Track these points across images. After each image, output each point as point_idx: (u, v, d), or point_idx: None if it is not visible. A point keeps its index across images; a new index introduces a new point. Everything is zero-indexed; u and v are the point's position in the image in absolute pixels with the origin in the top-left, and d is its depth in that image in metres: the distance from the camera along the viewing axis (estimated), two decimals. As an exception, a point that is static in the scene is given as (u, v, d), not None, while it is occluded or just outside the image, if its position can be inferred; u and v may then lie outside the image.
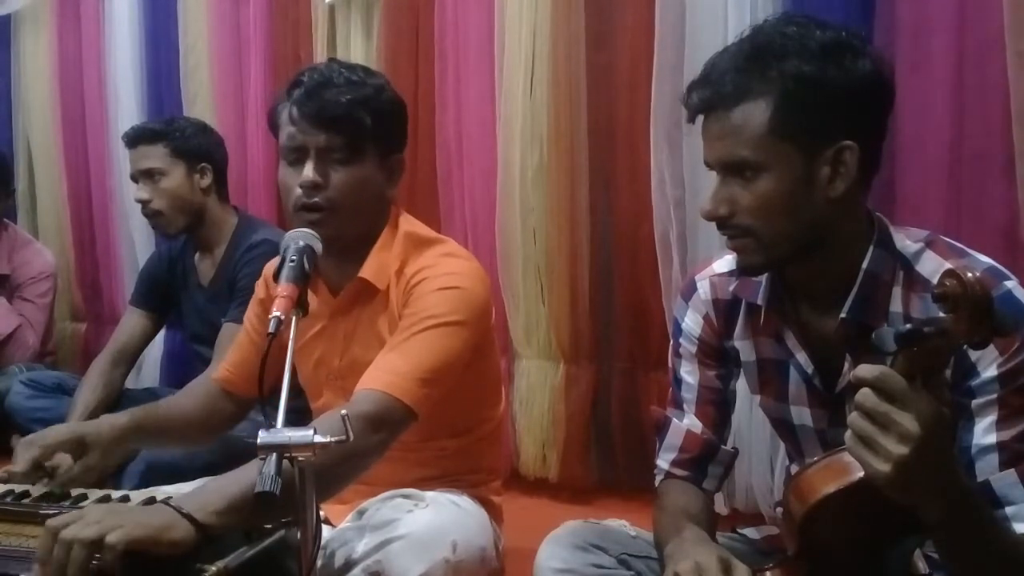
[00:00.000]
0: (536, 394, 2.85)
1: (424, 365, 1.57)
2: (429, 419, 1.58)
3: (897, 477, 0.99)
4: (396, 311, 1.68)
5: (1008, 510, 1.15)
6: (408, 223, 1.76)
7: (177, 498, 1.32)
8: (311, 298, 1.72)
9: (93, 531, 1.20)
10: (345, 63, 1.73)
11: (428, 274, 1.66)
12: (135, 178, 2.68)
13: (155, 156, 2.63)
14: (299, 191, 1.62)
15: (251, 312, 1.92)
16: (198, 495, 1.33)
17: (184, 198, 2.64)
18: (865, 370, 1.01)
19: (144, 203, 2.65)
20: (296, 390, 1.86)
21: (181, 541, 1.25)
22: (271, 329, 1.25)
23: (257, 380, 1.25)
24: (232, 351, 1.93)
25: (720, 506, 2.35)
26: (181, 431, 1.86)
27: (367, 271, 1.70)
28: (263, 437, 1.11)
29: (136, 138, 2.68)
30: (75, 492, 1.55)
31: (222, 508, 1.29)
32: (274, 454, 1.10)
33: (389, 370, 1.56)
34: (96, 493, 1.55)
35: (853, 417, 1.02)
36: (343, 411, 1.21)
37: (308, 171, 1.62)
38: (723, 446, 1.47)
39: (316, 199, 1.62)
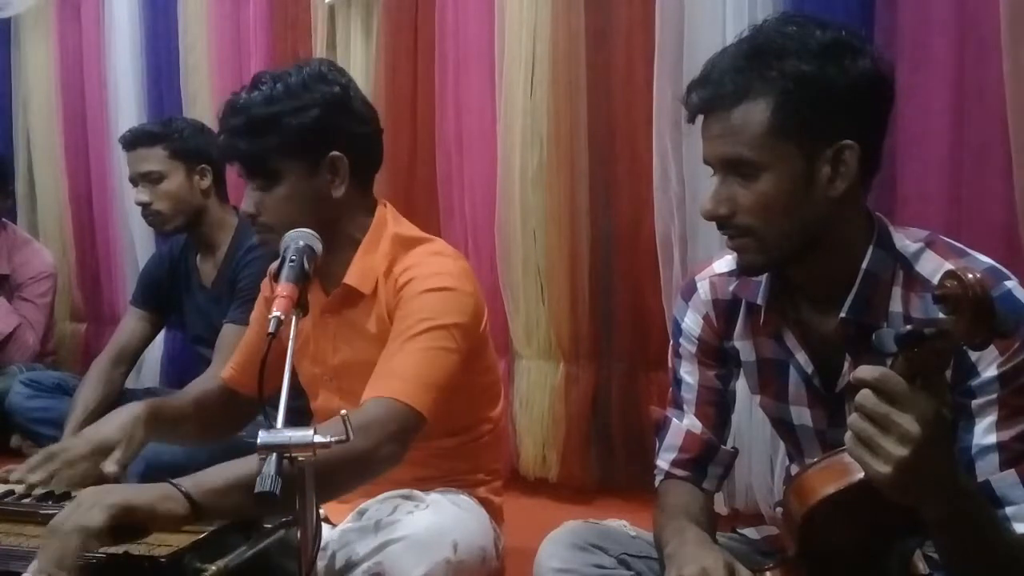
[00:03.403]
0: (536, 394, 2.85)
1: (426, 369, 1.57)
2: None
3: (897, 478, 0.99)
4: (386, 311, 1.67)
5: (1008, 510, 1.15)
6: (396, 223, 1.75)
7: (177, 479, 1.33)
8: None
9: (86, 512, 1.21)
10: (265, 76, 1.68)
11: (416, 274, 1.65)
12: (134, 181, 2.67)
13: (154, 158, 2.63)
14: None
15: (256, 312, 1.92)
16: (198, 476, 1.35)
17: (185, 199, 2.64)
18: (865, 371, 1.01)
19: (145, 205, 2.64)
20: (296, 390, 1.86)
21: (176, 514, 1.26)
22: (271, 329, 1.25)
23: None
24: (238, 351, 1.93)
25: (720, 506, 2.35)
26: (194, 427, 1.85)
27: (352, 277, 1.70)
28: (263, 437, 1.11)
29: (134, 141, 2.67)
30: (75, 492, 1.55)
31: (219, 488, 1.31)
32: (274, 454, 1.10)
33: (393, 376, 1.56)
34: (97, 493, 1.55)
35: (853, 418, 1.02)
36: (343, 412, 1.21)
37: (245, 204, 1.68)
38: (723, 446, 1.47)
39: (256, 226, 1.68)
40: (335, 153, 1.67)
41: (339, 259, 1.70)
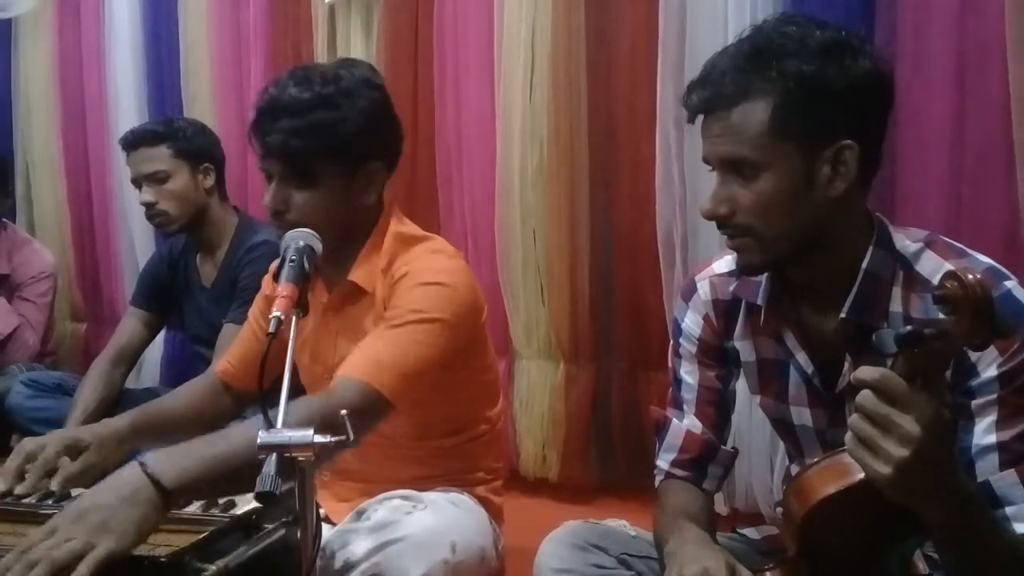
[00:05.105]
0: (536, 394, 2.85)
1: (403, 358, 1.57)
2: (422, 416, 1.58)
3: (898, 479, 0.99)
4: (382, 308, 1.68)
5: (1008, 510, 1.15)
6: (399, 223, 1.76)
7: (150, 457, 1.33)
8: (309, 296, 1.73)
9: (65, 552, 1.19)
10: (311, 73, 1.66)
11: (411, 269, 1.66)
12: (137, 182, 2.66)
13: (159, 158, 2.62)
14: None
15: (255, 308, 1.92)
16: (173, 456, 1.34)
17: (190, 199, 2.64)
18: (865, 372, 1.01)
19: (150, 206, 2.63)
20: (295, 389, 1.86)
21: (157, 525, 1.26)
22: (271, 329, 1.26)
23: (257, 374, 1.25)
24: (234, 345, 1.94)
25: (720, 506, 2.36)
26: (179, 427, 1.84)
27: (356, 274, 1.71)
28: (263, 437, 1.11)
29: (136, 141, 2.66)
30: (75, 492, 1.55)
31: (191, 468, 1.32)
32: (274, 454, 1.10)
33: (369, 359, 1.56)
34: (96, 493, 1.54)
35: (854, 419, 1.02)
36: (343, 412, 1.21)
37: (268, 198, 1.66)
38: (723, 446, 1.47)
39: (280, 222, 1.64)
40: (375, 163, 1.69)
41: (343, 258, 1.70)
